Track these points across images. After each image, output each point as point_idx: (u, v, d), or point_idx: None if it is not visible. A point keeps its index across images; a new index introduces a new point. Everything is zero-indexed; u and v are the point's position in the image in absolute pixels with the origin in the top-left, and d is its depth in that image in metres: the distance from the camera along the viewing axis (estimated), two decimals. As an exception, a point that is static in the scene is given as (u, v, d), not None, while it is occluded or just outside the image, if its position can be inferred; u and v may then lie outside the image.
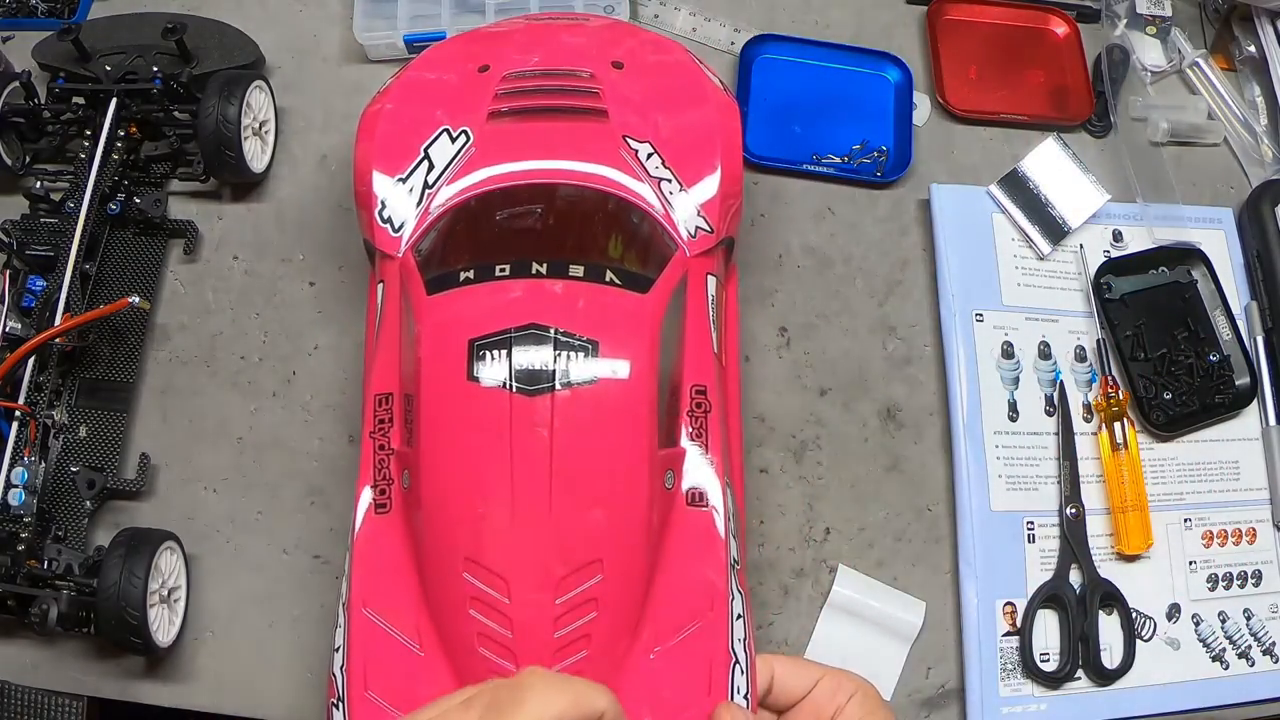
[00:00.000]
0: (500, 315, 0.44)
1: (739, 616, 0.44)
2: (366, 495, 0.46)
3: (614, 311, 0.45)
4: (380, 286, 0.51)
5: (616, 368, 0.43)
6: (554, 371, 0.42)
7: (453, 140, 0.51)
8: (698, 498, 0.46)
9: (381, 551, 0.45)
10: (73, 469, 0.55)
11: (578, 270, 0.46)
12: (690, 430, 0.46)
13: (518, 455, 0.42)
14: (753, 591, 0.57)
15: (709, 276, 0.50)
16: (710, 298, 0.50)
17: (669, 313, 0.47)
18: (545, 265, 0.46)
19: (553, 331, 0.43)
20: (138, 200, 0.61)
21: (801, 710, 0.43)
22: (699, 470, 0.46)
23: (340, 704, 0.43)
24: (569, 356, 0.43)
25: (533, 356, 0.42)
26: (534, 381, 0.42)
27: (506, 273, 0.45)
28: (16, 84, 0.62)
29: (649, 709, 0.42)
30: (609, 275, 0.46)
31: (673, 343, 0.47)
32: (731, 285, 0.58)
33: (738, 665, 0.43)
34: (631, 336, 0.44)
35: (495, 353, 0.43)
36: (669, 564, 0.44)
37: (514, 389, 0.42)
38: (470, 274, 0.46)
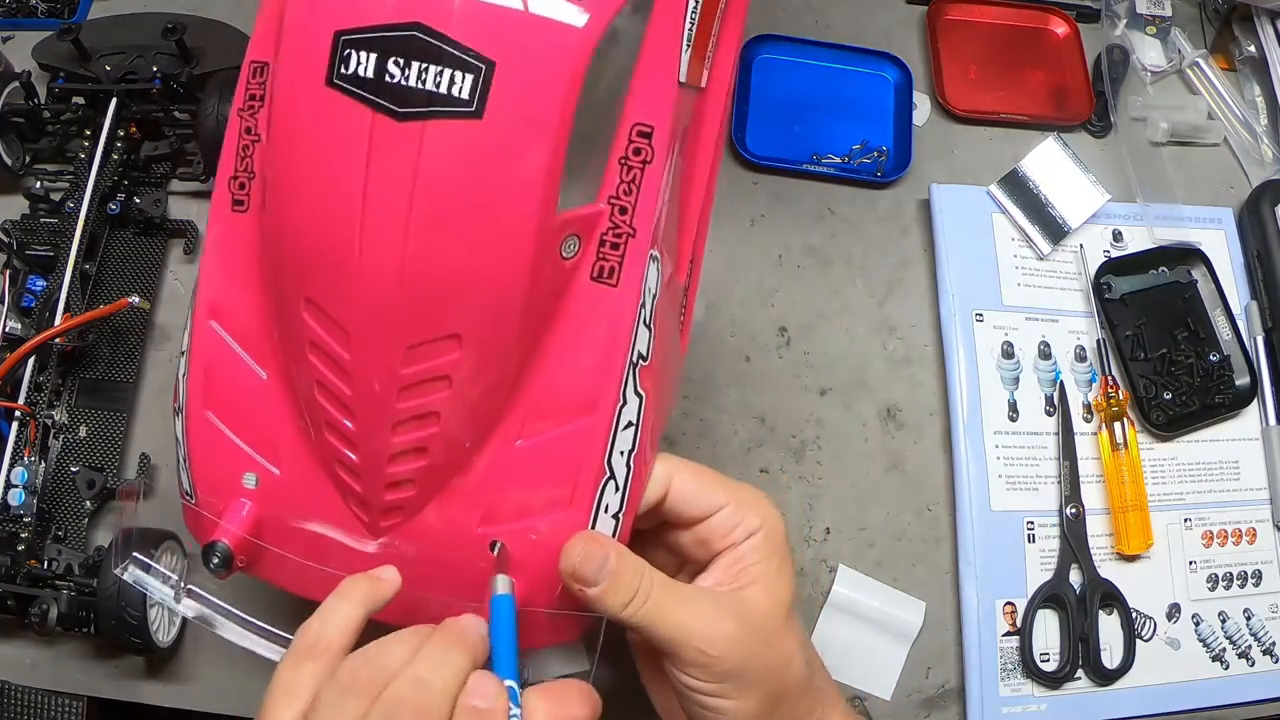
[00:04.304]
0: (379, 3, 0.33)
1: (629, 425, 0.38)
2: (224, 186, 0.40)
3: (533, 24, 0.33)
4: None
5: (513, 101, 0.33)
6: (430, 93, 0.33)
7: None
8: (606, 272, 0.37)
9: (234, 256, 0.39)
10: (73, 469, 0.55)
11: None
12: (620, 184, 0.37)
13: (372, 193, 0.34)
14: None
15: None
16: None
17: (620, 26, 0.35)
18: None
19: (442, 39, 0.33)
20: (138, 200, 0.61)
21: (693, 534, 0.39)
22: (614, 239, 0.37)
23: (179, 414, 0.41)
24: (454, 76, 0.33)
25: (408, 68, 0.33)
26: (404, 102, 0.33)
27: None
28: (16, 84, 0.62)
29: (506, 500, 0.38)
30: None
31: (620, 62, 0.36)
32: None
33: (611, 481, 0.37)
34: (545, 61, 0.33)
35: (363, 55, 0.33)
36: (556, 344, 0.38)
37: (378, 107, 0.33)
38: None
